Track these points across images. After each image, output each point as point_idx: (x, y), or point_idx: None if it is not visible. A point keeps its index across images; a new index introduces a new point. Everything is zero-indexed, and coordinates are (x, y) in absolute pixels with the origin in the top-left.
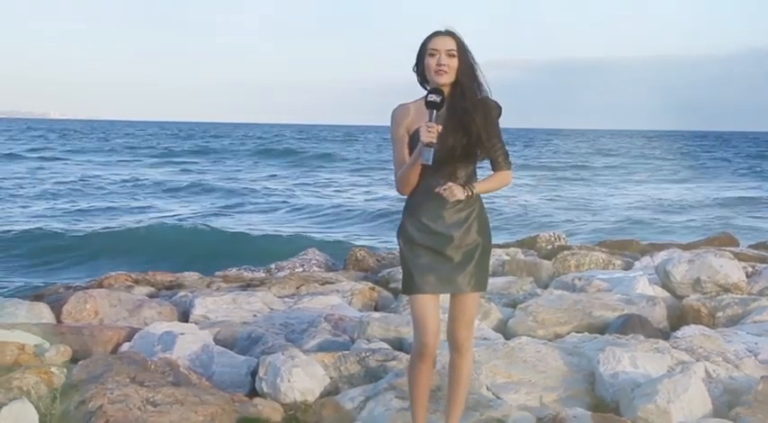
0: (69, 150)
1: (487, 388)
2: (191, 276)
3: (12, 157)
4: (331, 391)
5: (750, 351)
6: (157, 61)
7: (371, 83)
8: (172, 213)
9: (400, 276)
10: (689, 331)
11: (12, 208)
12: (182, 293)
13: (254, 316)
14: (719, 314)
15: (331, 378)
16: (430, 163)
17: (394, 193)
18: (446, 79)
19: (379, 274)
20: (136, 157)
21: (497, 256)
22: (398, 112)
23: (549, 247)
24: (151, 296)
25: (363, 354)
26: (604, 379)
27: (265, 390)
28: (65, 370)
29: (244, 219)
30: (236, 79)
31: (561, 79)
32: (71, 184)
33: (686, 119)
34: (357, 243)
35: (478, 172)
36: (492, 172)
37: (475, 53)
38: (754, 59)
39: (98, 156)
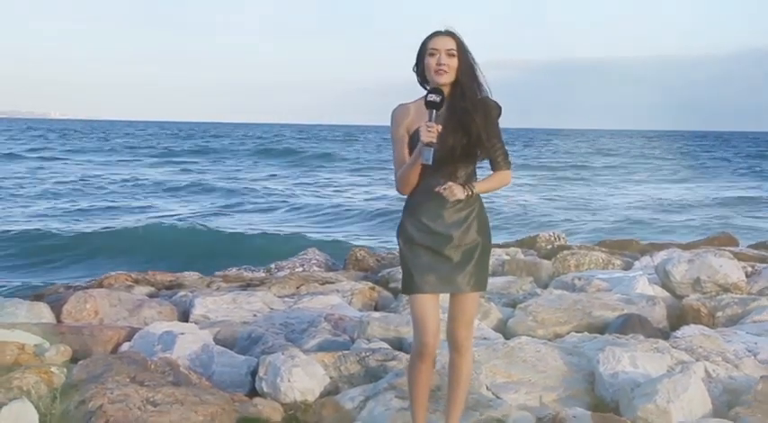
0: (69, 150)
1: (487, 388)
2: (191, 276)
3: (12, 156)
4: (331, 391)
5: (750, 351)
6: (157, 61)
7: (371, 83)
8: (172, 213)
9: (400, 276)
10: (689, 331)
11: (12, 208)
12: (182, 293)
13: (254, 316)
14: (719, 314)
15: (331, 378)
16: (430, 163)
17: (393, 192)
18: (446, 79)
19: (379, 274)
20: (136, 157)
21: (497, 255)
22: (398, 112)
23: (549, 246)
24: (151, 296)
25: (363, 353)
26: (604, 379)
27: (265, 389)
28: (65, 370)
29: (243, 218)
30: (236, 79)
31: (561, 79)
32: (71, 183)
33: (686, 119)
34: (356, 243)
35: (478, 172)
36: (491, 172)
37: (475, 53)
38: (754, 59)
39: (98, 156)
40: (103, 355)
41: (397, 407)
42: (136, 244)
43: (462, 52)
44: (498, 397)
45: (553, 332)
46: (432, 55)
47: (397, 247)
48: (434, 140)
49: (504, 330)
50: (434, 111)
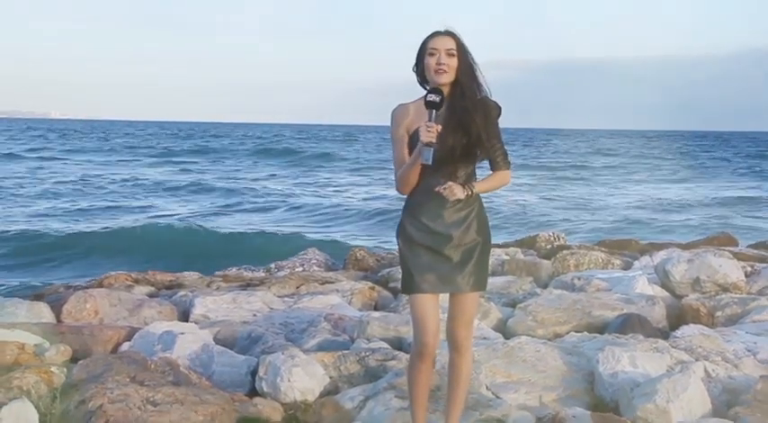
0: (69, 150)
1: (487, 387)
2: (190, 276)
3: (12, 156)
4: (331, 391)
5: (749, 350)
6: (157, 61)
7: (371, 83)
8: (171, 213)
9: (400, 276)
10: (688, 331)
11: (12, 207)
12: (182, 293)
13: (254, 315)
14: (719, 314)
15: (331, 378)
16: (430, 163)
17: (393, 192)
18: (446, 79)
19: (379, 274)
20: (136, 157)
21: (497, 255)
22: (398, 112)
23: (549, 246)
24: (151, 296)
25: (363, 353)
26: (604, 378)
27: (265, 389)
28: (65, 369)
29: (243, 218)
30: (236, 79)
31: (561, 79)
32: (71, 183)
33: (686, 119)
34: (355, 242)
35: (478, 172)
36: (491, 172)
37: (475, 53)
38: (754, 59)
39: (98, 155)
40: (103, 354)
41: (397, 407)
42: (136, 244)
43: (462, 52)
44: (498, 397)
45: (553, 332)
46: (431, 55)
47: (397, 246)
48: (434, 140)
49: (504, 330)
50: (434, 111)
